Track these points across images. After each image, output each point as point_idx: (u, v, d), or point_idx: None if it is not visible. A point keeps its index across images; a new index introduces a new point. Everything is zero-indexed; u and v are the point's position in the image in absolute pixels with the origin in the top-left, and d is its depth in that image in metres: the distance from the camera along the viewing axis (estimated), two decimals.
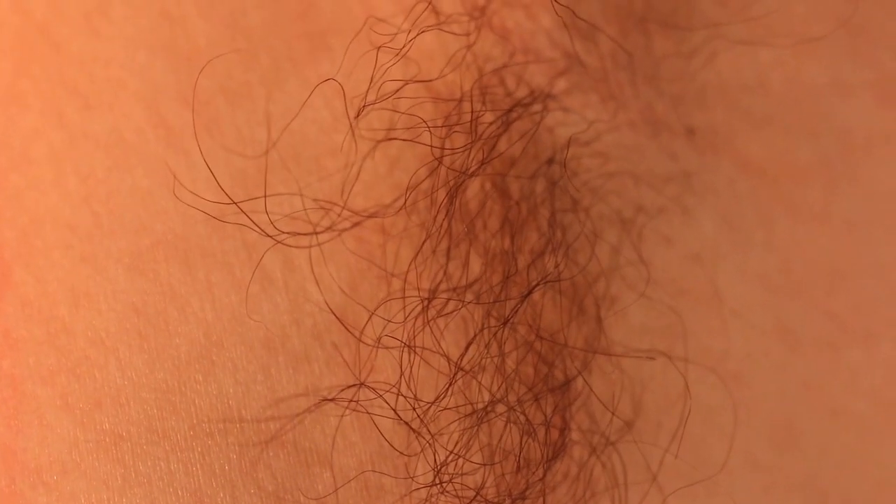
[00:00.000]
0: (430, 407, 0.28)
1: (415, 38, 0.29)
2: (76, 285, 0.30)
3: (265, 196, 0.29)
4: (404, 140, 0.29)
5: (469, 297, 0.28)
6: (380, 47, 0.29)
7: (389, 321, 0.28)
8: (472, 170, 0.28)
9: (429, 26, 0.30)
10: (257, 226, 0.29)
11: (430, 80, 0.30)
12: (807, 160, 0.32)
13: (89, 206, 0.30)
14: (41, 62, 0.32)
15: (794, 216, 0.32)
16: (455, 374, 0.27)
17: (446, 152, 0.28)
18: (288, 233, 0.29)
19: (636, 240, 0.31)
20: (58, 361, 0.29)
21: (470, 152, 0.28)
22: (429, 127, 0.28)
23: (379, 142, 0.29)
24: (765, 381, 0.31)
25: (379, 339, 0.28)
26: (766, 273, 0.31)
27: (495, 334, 0.28)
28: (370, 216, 0.30)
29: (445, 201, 0.28)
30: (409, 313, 0.28)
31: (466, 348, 0.28)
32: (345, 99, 0.29)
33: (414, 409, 0.27)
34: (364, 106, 0.29)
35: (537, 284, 0.27)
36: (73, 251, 0.30)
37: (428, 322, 0.28)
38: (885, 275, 0.32)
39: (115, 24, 0.32)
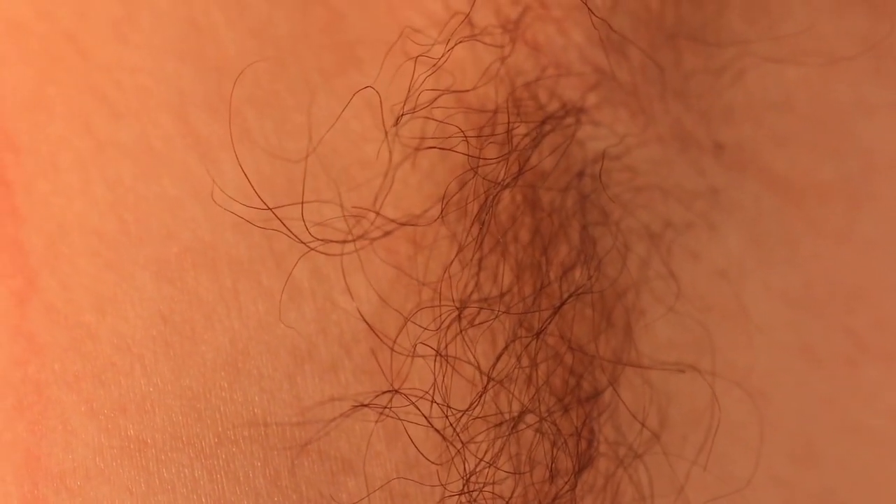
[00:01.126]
0: (462, 416, 0.28)
1: (452, 48, 0.30)
2: (102, 292, 0.30)
3: (302, 202, 0.30)
4: (441, 149, 0.30)
5: (501, 307, 0.28)
6: (417, 57, 0.29)
7: (424, 328, 0.29)
8: (506, 181, 0.28)
9: (465, 37, 0.30)
10: (291, 232, 0.29)
11: (465, 91, 0.30)
12: (830, 178, 0.33)
13: (116, 213, 0.31)
14: (68, 69, 0.32)
15: (817, 234, 0.32)
16: (487, 383, 0.28)
17: (481, 163, 0.29)
18: (320, 240, 0.30)
19: (665, 254, 0.31)
20: (83, 367, 0.30)
21: (506, 163, 0.29)
22: (465, 136, 0.29)
23: (416, 149, 0.30)
24: (787, 398, 0.32)
25: (414, 347, 0.29)
26: (789, 290, 0.32)
27: (527, 346, 0.28)
28: (403, 224, 0.30)
29: (479, 212, 0.28)
30: (442, 323, 0.29)
31: (497, 359, 0.28)
32: (381, 107, 0.30)
33: (447, 416, 0.28)
34: (402, 115, 0.29)
35: (570, 296, 0.28)
36: (100, 258, 0.30)
37: (461, 331, 0.28)
38: None
39: (142, 32, 0.32)
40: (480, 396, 0.28)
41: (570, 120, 0.30)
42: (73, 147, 0.31)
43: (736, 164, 0.32)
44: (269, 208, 0.30)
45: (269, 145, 0.31)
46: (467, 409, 0.28)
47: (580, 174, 0.30)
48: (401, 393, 0.28)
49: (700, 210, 0.32)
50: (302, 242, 0.29)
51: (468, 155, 0.29)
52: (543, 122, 0.30)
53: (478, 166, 0.29)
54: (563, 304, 0.28)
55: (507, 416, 0.28)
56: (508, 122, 0.29)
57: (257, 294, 0.30)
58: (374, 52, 0.32)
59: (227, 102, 0.31)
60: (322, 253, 0.30)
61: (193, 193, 0.31)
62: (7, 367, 0.30)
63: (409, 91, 0.29)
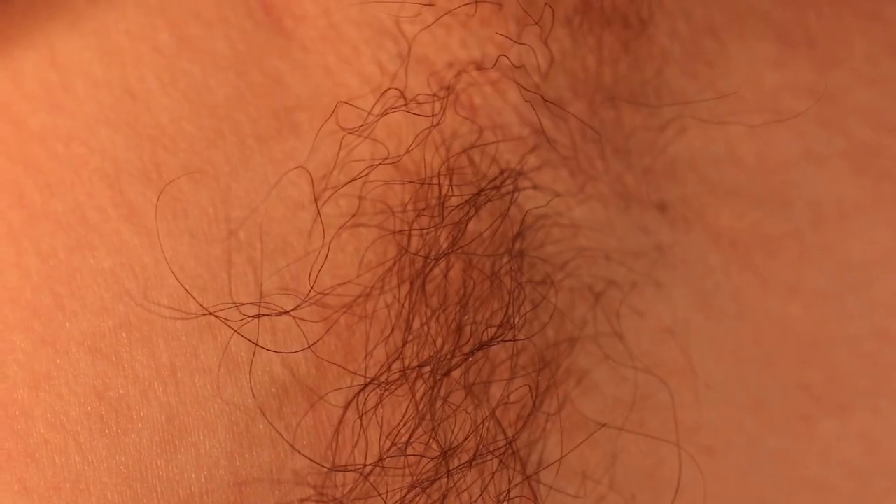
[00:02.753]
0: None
1: (379, 118, 0.30)
2: (36, 368, 0.30)
3: (229, 282, 0.30)
4: (368, 226, 0.30)
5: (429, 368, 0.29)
6: (344, 136, 0.30)
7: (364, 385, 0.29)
8: (438, 253, 0.29)
9: (394, 108, 0.31)
10: (223, 320, 0.30)
11: (397, 160, 0.31)
12: (779, 231, 0.33)
13: (50, 286, 0.31)
14: (1, 138, 0.32)
15: (766, 288, 0.33)
16: (404, 447, 0.28)
17: (414, 234, 0.29)
18: (251, 316, 0.30)
19: (608, 312, 0.32)
20: (16, 445, 0.30)
21: (436, 235, 0.29)
22: (393, 212, 0.29)
23: (341, 227, 0.30)
24: (737, 454, 0.32)
25: (339, 422, 0.29)
26: (738, 346, 0.32)
27: (434, 392, 0.29)
28: (339, 294, 0.30)
29: (410, 287, 0.29)
30: (366, 392, 0.29)
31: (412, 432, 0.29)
32: (313, 185, 0.30)
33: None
34: (328, 190, 0.30)
35: (487, 344, 0.28)
36: (34, 333, 0.31)
37: (379, 403, 0.29)
38: (858, 345, 0.33)
39: (77, 100, 0.33)
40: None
41: (507, 186, 0.30)
42: (5, 218, 0.32)
43: (681, 220, 0.33)
44: (202, 307, 0.30)
45: (206, 214, 0.31)
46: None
47: (518, 236, 0.31)
48: (337, 470, 0.29)
49: (644, 268, 0.32)
50: (231, 328, 0.30)
51: (394, 232, 0.29)
52: (478, 193, 0.30)
53: (408, 244, 0.29)
54: (476, 349, 0.29)
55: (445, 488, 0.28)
56: (439, 195, 0.29)
57: (194, 369, 0.30)
58: (311, 116, 0.32)
59: (162, 172, 0.31)
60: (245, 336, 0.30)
61: (128, 266, 0.31)
62: None
63: (334, 165, 0.29)
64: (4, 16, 0.34)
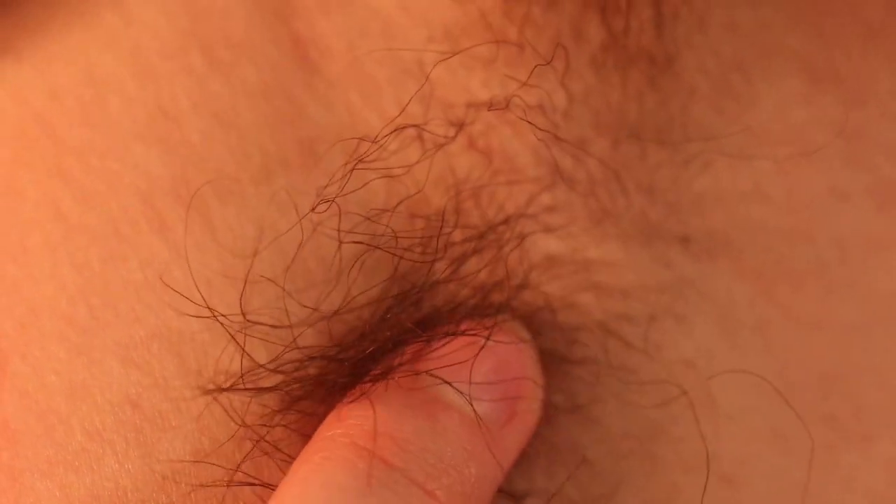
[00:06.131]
0: None
1: (396, 151, 0.33)
2: (73, 377, 0.32)
3: (241, 299, 0.33)
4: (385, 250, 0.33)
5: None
6: (362, 170, 0.33)
7: None
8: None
9: (411, 138, 0.33)
10: (235, 339, 0.32)
11: (411, 197, 0.33)
12: (804, 265, 0.35)
13: (85, 297, 0.33)
14: (39, 152, 0.34)
15: (791, 321, 0.34)
16: None
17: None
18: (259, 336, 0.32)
19: (623, 346, 0.33)
20: (56, 453, 0.32)
21: (430, 269, 0.32)
22: (398, 255, 0.32)
23: (358, 258, 0.33)
24: (757, 484, 0.34)
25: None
26: (761, 377, 0.34)
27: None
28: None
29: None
30: None
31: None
32: (340, 217, 0.33)
33: None
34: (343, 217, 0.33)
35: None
36: (70, 343, 0.32)
37: None
38: (882, 377, 0.34)
39: (111, 116, 0.35)
40: None
41: (513, 232, 0.33)
42: (43, 230, 0.34)
43: (705, 254, 0.35)
44: (214, 315, 0.32)
45: (230, 231, 0.33)
46: None
47: (523, 285, 0.33)
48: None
49: (665, 302, 0.34)
50: (237, 341, 0.32)
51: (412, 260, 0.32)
52: (481, 236, 0.32)
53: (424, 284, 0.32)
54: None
55: None
56: (439, 233, 0.32)
57: (221, 380, 0.32)
58: (331, 149, 0.34)
59: (191, 188, 0.33)
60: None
61: (158, 278, 0.33)
62: None
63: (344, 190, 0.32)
64: (44, 33, 0.36)
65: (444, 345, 0.32)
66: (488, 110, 0.34)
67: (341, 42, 0.35)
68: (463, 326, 0.32)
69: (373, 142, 0.33)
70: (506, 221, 0.34)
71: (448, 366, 0.31)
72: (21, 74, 0.36)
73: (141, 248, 0.33)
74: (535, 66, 0.34)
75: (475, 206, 0.34)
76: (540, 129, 0.34)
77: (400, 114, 0.33)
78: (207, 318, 0.32)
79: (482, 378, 0.31)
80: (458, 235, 0.33)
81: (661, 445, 0.33)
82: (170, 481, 0.32)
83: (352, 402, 0.31)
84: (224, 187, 0.34)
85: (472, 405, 0.31)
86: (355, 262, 0.33)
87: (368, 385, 0.31)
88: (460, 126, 0.34)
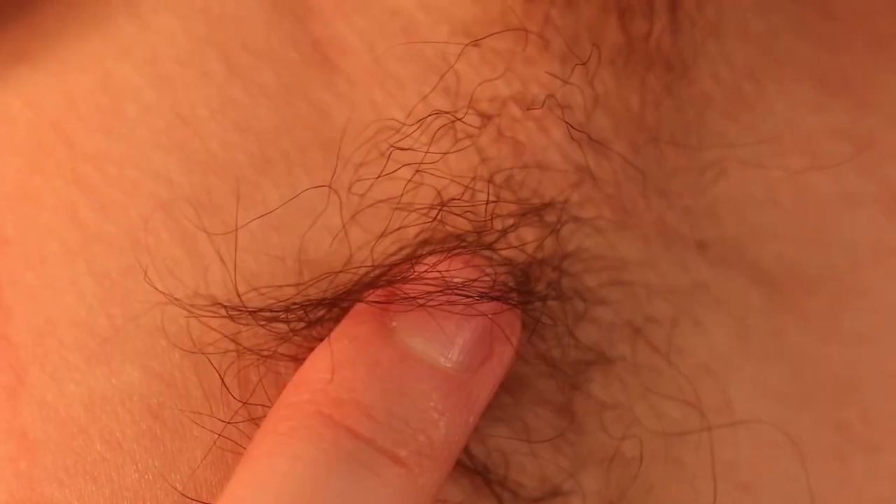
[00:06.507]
0: None
1: (426, 152, 0.33)
2: (92, 386, 0.32)
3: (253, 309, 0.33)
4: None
5: None
6: (392, 167, 0.33)
7: None
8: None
9: (442, 129, 0.33)
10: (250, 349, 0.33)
11: (434, 162, 0.34)
12: (816, 272, 0.35)
13: (104, 307, 0.33)
14: (55, 159, 0.34)
15: (804, 327, 0.35)
16: None
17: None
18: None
19: (647, 348, 0.33)
20: (75, 462, 0.32)
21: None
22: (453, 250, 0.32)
23: (390, 256, 0.33)
24: (773, 492, 0.34)
25: None
26: (776, 384, 0.35)
27: None
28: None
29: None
30: None
31: None
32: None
33: None
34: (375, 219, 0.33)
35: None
36: (89, 352, 0.33)
37: None
38: (891, 386, 0.35)
39: (129, 124, 0.35)
40: None
41: (551, 216, 0.33)
42: (60, 238, 0.34)
43: (720, 260, 0.35)
44: (247, 310, 0.33)
45: (254, 240, 0.33)
46: None
47: (558, 272, 0.33)
48: None
49: (684, 305, 0.34)
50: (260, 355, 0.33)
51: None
52: (524, 214, 0.32)
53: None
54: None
55: None
56: (487, 201, 0.32)
57: (244, 390, 0.32)
58: (357, 148, 0.34)
59: (212, 197, 0.33)
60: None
61: (180, 288, 0.33)
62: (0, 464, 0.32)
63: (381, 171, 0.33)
64: (59, 40, 0.36)
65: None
66: (526, 109, 0.34)
67: (361, 42, 0.35)
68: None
69: (409, 125, 0.33)
70: (542, 207, 0.34)
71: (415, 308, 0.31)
72: (36, 82, 0.36)
73: (163, 259, 0.34)
74: (575, 66, 0.34)
75: (510, 194, 0.34)
76: (574, 127, 0.34)
77: (420, 99, 0.34)
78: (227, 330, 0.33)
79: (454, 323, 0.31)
80: (500, 213, 0.34)
81: (683, 449, 0.34)
82: (190, 492, 0.32)
83: (317, 356, 0.31)
84: (246, 194, 0.34)
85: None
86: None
87: (335, 336, 0.31)
88: (489, 118, 0.34)
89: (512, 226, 0.33)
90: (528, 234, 0.34)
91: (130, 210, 0.34)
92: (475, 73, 0.35)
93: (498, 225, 0.33)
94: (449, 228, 0.33)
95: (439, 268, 0.31)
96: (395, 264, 0.32)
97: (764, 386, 0.34)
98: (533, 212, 0.33)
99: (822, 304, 0.35)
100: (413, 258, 0.32)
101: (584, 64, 0.34)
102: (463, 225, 0.33)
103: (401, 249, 0.33)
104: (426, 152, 0.33)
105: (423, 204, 0.33)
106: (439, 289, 0.31)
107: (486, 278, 0.31)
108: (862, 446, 0.34)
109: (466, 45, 0.34)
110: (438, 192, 0.33)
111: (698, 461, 0.34)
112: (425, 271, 0.31)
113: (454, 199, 0.33)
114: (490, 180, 0.34)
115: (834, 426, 0.34)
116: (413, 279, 0.31)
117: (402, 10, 0.35)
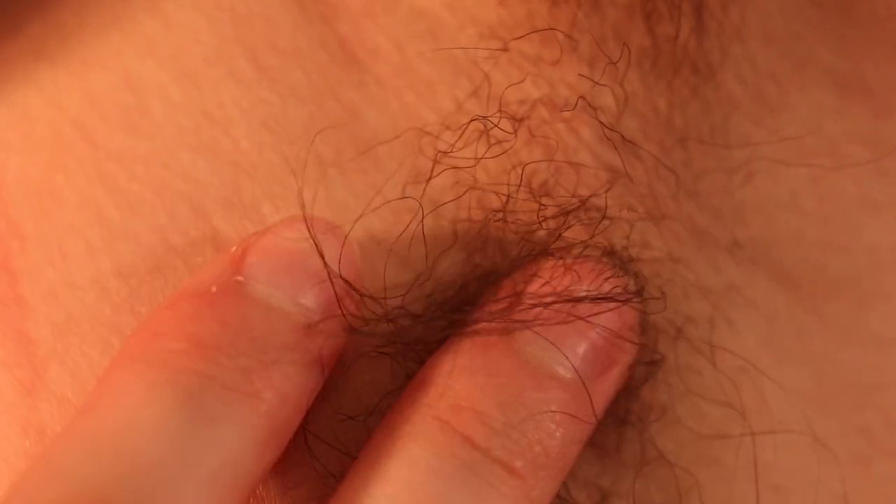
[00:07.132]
0: None
1: (462, 148, 0.34)
2: None
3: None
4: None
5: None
6: (429, 166, 0.33)
7: None
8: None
9: (477, 132, 0.33)
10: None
11: (472, 165, 0.34)
12: (839, 275, 0.35)
13: (131, 306, 0.33)
14: (76, 157, 0.34)
15: (828, 330, 0.35)
16: None
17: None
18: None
19: (685, 348, 0.33)
20: None
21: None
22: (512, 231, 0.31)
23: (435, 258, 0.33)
24: (802, 495, 0.34)
25: None
26: (803, 387, 0.35)
27: None
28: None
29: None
30: None
31: None
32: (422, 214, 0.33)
33: None
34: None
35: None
36: (114, 350, 0.32)
37: None
38: None
39: (155, 122, 0.35)
40: None
41: (593, 215, 0.33)
42: (82, 235, 0.33)
43: (748, 262, 0.35)
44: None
45: None
46: None
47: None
48: None
49: (720, 306, 0.35)
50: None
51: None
52: (568, 212, 0.32)
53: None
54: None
55: None
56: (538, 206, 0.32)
57: None
58: (391, 148, 0.34)
59: (243, 197, 0.33)
60: None
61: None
62: (17, 459, 0.31)
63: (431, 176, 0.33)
64: (79, 38, 0.36)
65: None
66: (560, 111, 0.34)
67: (389, 43, 0.35)
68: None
69: (452, 130, 0.33)
70: (583, 205, 0.34)
71: (545, 324, 0.31)
72: (56, 80, 0.36)
73: (192, 258, 0.33)
74: (606, 65, 0.34)
75: (548, 193, 0.34)
76: (608, 127, 0.34)
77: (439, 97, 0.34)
78: None
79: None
80: (549, 211, 0.34)
81: (722, 450, 0.34)
82: None
83: (437, 361, 0.31)
84: (277, 194, 0.34)
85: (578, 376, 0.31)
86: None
87: (457, 341, 0.31)
88: (520, 121, 0.34)
89: (564, 225, 0.33)
90: (579, 232, 0.34)
91: (159, 209, 0.34)
92: (504, 76, 0.35)
93: (550, 225, 0.33)
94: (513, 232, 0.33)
95: (563, 278, 0.32)
96: (521, 267, 0.32)
97: (790, 388, 0.34)
98: (578, 211, 0.34)
99: (844, 307, 0.35)
100: (545, 260, 0.32)
101: (614, 64, 0.34)
102: (578, 231, 0.33)
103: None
104: (479, 158, 0.33)
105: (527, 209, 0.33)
106: (562, 298, 0.31)
107: (611, 286, 0.32)
108: (885, 450, 0.34)
109: (497, 49, 0.34)
110: (506, 198, 0.34)
111: (736, 463, 0.34)
112: (547, 280, 0.32)
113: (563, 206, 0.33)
114: (529, 183, 0.34)
115: (857, 430, 0.34)
116: (534, 291, 0.31)
117: (428, 12, 0.35)
